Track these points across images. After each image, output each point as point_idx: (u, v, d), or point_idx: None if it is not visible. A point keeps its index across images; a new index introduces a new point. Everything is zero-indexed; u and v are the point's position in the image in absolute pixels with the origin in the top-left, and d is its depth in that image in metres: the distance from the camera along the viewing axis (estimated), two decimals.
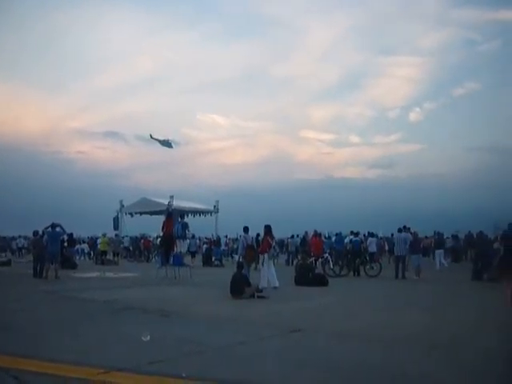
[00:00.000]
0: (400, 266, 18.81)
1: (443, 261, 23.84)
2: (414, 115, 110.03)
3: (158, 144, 39.47)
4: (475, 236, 23.09)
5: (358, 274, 20.08)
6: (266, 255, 15.08)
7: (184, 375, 5.01)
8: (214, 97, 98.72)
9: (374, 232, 26.61)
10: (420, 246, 20.14)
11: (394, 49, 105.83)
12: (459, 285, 16.23)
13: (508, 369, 3.55)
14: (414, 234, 20.04)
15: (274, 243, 15.55)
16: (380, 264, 20.56)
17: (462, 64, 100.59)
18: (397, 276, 18.59)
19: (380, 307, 10.89)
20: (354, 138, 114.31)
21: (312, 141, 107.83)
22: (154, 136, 40.39)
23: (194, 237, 30.70)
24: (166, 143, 40.46)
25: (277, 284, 14.48)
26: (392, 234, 25.44)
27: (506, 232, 16.96)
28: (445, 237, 31.30)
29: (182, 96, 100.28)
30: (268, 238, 15.29)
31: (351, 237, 23.60)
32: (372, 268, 20.07)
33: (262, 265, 15.10)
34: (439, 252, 24.28)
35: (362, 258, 20.59)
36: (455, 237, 31.45)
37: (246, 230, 16.37)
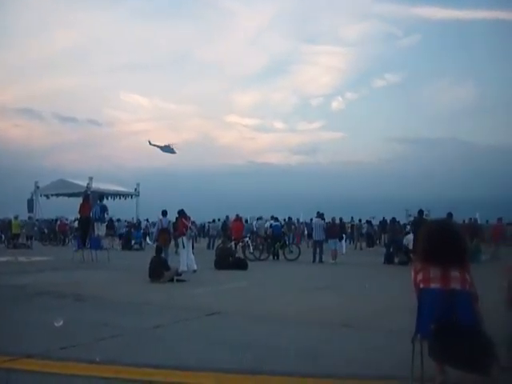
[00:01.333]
0: (317, 250, 19.42)
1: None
2: (336, 104, 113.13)
3: (159, 150, 37.77)
4: (388, 222, 24.30)
5: (278, 258, 20.54)
6: (183, 238, 15.06)
7: (98, 359, 4.95)
8: (137, 77, 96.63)
9: (292, 217, 27.13)
10: (337, 231, 20.85)
11: (318, 38, 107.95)
12: (372, 268, 17.01)
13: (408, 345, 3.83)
14: (331, 220, 20.73)
15: (189, 224, 15.43)
16: (299, 248, 21.12)
17: (383, 56, 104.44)
18: (314, 260, 19.19)
19: (297, 290, 11.20)
20: (278, 124, 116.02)
21: (236, 125, 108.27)
22: (152, 142, 38.76)
23: (119, 220, 30.20)
24: (168, 149, 38.96)
25: (195, 267, 14.51)
26: (311, 220, 26.09)
27: (416, 218, 18.07)
28: (362, 222, 32.73)
29: (104, 75, 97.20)
30: (183, 219, 15.24)
31: (271, 221, 24.02)
32: (291, 252, 20.59)
33: (183, 247, 15.05)
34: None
35: (281, 242, 21.05)
36: (369, 222, 32.76)
37: (164, 213, 16.21)
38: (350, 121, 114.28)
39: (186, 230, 15.14)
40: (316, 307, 8.75)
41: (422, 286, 4.02)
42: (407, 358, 3.95)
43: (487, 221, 37.72)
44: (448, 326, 3.65)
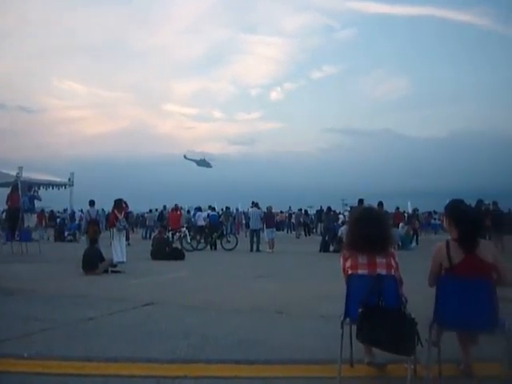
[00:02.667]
0: (255, 239, 19.62)
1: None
2: (275, 94, 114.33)
3: (195, 164, 36.47)
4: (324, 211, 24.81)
5: (215, 248, 20.58)
6: (114, 229, 14.76)
7: (26, 355, 4.82)
8: (72, 63, 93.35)
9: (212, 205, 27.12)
10: (273, 221, 21.14)
11: (258, 28, 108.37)
12: (308, 256, 17.37)
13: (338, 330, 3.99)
14: (268, 209, 20.98)
15: (121, 216, 15.06)
16: (236, 238, 21.25)
17: (321, 48, 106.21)
18: (251, 249, 19.39)
19: (233, 279, 11.29)
20: (217, 114, 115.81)
21: (174, 114, 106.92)
22: (188, 156, 37.41)
23: (53, 211, 29.31)
24: (204, 163, 37.98)
25: (124, 259, 14.21)
26: (248, 209, 26.30)
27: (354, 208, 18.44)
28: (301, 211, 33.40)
29: (36, 58, 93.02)
30: (115, 211, 14.93)
31: (209, 211, 24.01)
32: (228, 242, 20.69)
33: (112, 239, 14.77)
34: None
35: (219, 232, 21.10)
36: (306, 212, 33.43)
37: (91, 203, 15.85)
38: (289, 111, 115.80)
39: (116, 221, 14.78)
40: (251, 295, 8.87)
41: (350, 272, 4.18)
42: (338, 341, 4.10)
43: (417, 209, 39.39)
44: (374, 310, 3.82)
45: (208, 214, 23.32)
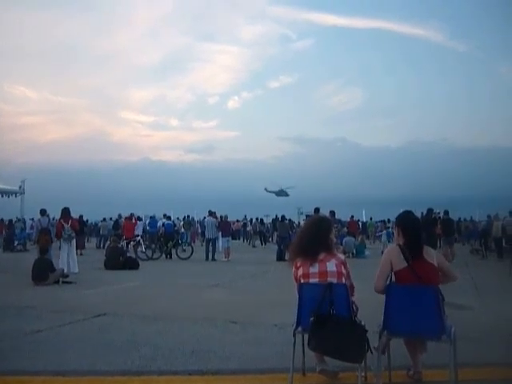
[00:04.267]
0: (210, 248, 19.51)
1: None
2: (232, 103, 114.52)
3: (274, 195, 37.40)
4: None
5: (171, 257, 20.35)
6: (61, 240, 14.36)
7: None
8: (24, 67, 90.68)
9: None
10: (229, 229, 21.09)
11: (216, 36, 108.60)
12: (264, 265, 17.33)
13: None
14: (224, 218, 20.93)
15: (67, 226, 14.59)
16: (192, 247, 21.09)
17: (278, 58, 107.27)
18: (207, 258, 19.26)
19: (187, 288, 11.18)
20: (174, 122, 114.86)
21: (131, 122, 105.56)
22: (268, 189, 38.47)
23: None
24: (282, 193, 38.58)
25: (76, 270, 13.87)
26: (204, 218, 26.19)
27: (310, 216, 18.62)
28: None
29: None
30: (61, 220, 14.50)
31: (164, 220, 23.78)
32: (184, 251, 20.52)
33: (60, 249, 14.35)
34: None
35: (174, 241, 20.88)
36: (261, 221, 33.58)
37: (42, 212, 15.39)
38: (246, 120, 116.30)
39: (62, 231, 14.33)
40: (205, 305, 8.83)
41: (302, 280, 4.22)
42: (290, 350, 4.13)
43: (371, 218, 40.25)
44: (326, 318, 3.86)
45: (163, 223, 23.07)
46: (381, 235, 27.08)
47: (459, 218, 28.99)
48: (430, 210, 18.39)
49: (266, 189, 43.00)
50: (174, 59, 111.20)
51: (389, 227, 38.91)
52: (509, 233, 19.33)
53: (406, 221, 4.48)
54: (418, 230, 4.39)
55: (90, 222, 34.15)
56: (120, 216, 27.10)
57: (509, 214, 20.37)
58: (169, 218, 24.20)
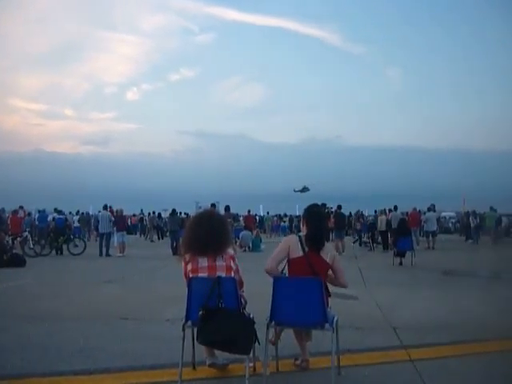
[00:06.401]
0: (104, 243, 18.93)
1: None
2: (131, 94, 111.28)
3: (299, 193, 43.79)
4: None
5: (62, 253, 19.47)
6: None
7: None
8: None
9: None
10: (124, 224, 20.61)
11: (115, 26, 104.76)
12: (160, 260, 17.02)
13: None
14: (119, 212, 20.40)
15: None
16: (84, 242, 20.34)
17: (179, 51, 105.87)
18: (101, 253, 18.69)
19: (79, 285, 10.78)
20: (69, 111, 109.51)
21: (20, 110, 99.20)
22: (296, 189, 45.07)
23: None
24: (305, 189, 44.91)
25: None
26: (99, 212, 25.38)
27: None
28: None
29: None
30: None
31: (55, 214, 22.72)
32: (76, 246, 19.74)
33: None
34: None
35: (65, 236, 20.02)
36: (159, 215, 33.28)
37: None
38: (145, 112, 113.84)
39: None
40: (97, 301, 8.59)
41: (191, 275, 4.24)
42: (180, 345, 4.14)
43: (268, 212, 41.24)
44: (214, 311, 3.92)
45: (54, 218, 22.02)
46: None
47: (350, 213, 30.44)
48: (322, 205, 19.27)
49: (294, 190, 47.37)
50: (69, 47, 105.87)
51: (284, 221, 40.32)
52: (393, 226, 20.74)
53: (311, 212, 4.76)
54: (320, 221, 4.70)
55: None
56: (3, 210, 25.45)
57: (394, 209, 21.90)
58: (60, 211, 23.14)
